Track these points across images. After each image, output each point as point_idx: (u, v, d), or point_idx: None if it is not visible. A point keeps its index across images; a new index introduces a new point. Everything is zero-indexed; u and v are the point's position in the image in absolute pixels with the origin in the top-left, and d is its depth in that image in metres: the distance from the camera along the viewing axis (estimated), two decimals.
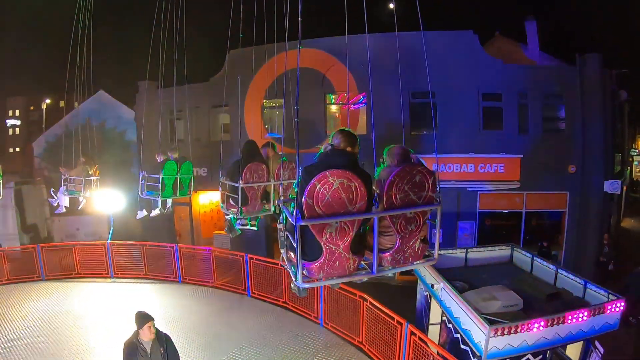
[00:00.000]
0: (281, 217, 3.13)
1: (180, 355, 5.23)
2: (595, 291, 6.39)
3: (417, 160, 3.12)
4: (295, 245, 2.75)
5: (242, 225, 6.49)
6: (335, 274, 2.90)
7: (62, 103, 33.94)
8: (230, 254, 10.85)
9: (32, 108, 41.62)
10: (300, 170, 2.90)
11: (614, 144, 13.90)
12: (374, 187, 2.97)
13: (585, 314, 5.50)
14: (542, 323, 5.24)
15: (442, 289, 6.70)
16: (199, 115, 16.62)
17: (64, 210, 10.70)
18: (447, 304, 6.57)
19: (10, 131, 41.43)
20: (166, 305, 9.63)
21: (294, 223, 2.69)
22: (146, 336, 4.79)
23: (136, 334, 4.83)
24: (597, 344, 6.60)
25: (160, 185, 8.07)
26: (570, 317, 5.42)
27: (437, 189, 3.04)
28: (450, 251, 8.83)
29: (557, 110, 13.69)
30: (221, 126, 16.43)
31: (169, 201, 9.03)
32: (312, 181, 2.67)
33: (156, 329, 4.94)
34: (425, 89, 13.66)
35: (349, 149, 3.04)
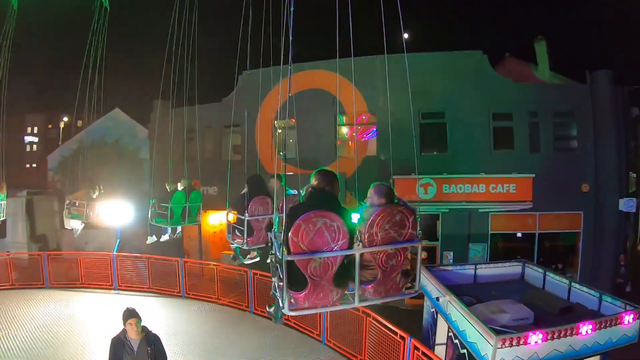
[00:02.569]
0: (273, 248, 3.37)
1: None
2: (611, 303, 6.07)
3: (401, 201, 3.25)
4: (282, 276, 2.99)
5: (253, 258, 6.59)
6: (319, 303, 3.13)
7: (80, 123, 35.09)
8: (235, 269, 10.72)
9: (50, 126, 42.92)
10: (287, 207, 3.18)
11: (628, 163, 13.59)
12: (357, 226, 3.12)
13: (590, 326, 5.23)
14: (540, 336, 4.96)
15: (448, 302, 6.44)
16: (211, 135, 16.83)
17: (78, 231, 10.81)
18: (454, 318, 6.30)
19: (28, 147, 42.65)
20: (168, 318, 9.58)
21: (280, 258, 2.95)
22: (131, 334, 4.71)
23: (124, 331, 4.76)
24: None
25: (169, 213, 8.19)
26: (575, 330, 5.15)
27: (418, 227, 3.18)
28: (458, 267, 8.56)
29: (568, 128, 13.51)
30: (231, 147, 16.59)
31: (179, 227, 9.11)
32: (297, 221, 2.89)
33: (145, 328, 4.86)
34: (435, 109, 13.70)
35: (327, 188, 3.27)
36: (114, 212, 10.92)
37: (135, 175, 20.37)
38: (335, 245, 2.99)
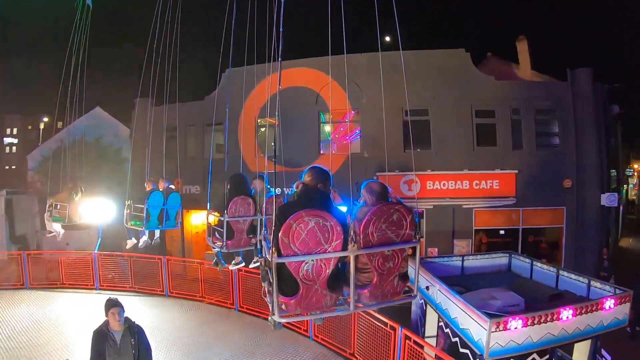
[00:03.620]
0: (262, 250, 3.21)
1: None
2: (600, 288, 6.15)
3: (396, 199, 3.15)
4: (272, 280, 2.83)
5: (237, 264, 6.29)
6: (312, 309, 2.96)
7: (59, 124, 34.33)
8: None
9: (30, 127, 42.10)
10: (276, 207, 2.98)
11: (608, 160, 13.93)
12: (350, 226, 2.97)
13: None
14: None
15: (438, 290, 6.43)
16: (194, 133, 16.59)
17: (60, 235, 10.41)
18: (444, 306, 6.28)
19: (7, 149, 41.71)
20: (151, 316, 9.30)
21: (270, 260, 2.77)
22: (114, 325, 4.54)
23: (106, 322, 4.59)
24: (603, 352, 6.32)
25: (145, 215, 7.64)
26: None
27: (416, 227, 3.05)
28: (445, 259, 8.58)
29: (550, 125, 13.78)
30: (212, 145, 16.32)
31: (157, 232, 8.64)
32: (287, 220, 2.73)
33: (128, 319, 4.69)
34: (418, 106, 13.80)
35: (320, 185, 3.11)
36: (95, 210, 10.60)
37: (117, 175, 19.90)
38: (329, 247, 2.82)
